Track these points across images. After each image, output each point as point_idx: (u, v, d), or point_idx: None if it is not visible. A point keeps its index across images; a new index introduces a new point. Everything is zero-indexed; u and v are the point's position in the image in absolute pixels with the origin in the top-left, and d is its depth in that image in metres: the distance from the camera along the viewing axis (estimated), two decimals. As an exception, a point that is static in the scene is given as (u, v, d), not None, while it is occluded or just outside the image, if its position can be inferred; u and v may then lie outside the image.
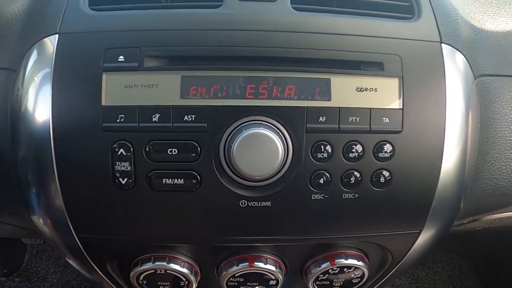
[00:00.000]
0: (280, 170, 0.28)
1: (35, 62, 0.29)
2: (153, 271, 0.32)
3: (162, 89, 0.27)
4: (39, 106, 0.28)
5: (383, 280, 0.38)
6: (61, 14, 0.29)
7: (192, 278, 0.33)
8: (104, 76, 0.27)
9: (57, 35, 0.28)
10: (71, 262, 0.35)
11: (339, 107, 0.28)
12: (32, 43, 0.30)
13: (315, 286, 0.35)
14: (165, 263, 0.32)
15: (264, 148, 0.27)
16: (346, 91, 0.28)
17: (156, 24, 0.29)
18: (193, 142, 0.27)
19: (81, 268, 0.35)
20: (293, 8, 0.30)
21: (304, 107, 0.28)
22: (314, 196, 0.29)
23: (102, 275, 0.34)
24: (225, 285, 0.34)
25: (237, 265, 0.32)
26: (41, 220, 0.30)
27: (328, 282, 0.35)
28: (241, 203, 0.28)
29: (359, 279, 0.35)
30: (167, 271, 0.32)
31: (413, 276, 0.96)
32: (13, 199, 0.32)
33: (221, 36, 0.28)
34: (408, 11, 0.33)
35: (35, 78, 0.29)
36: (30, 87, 0.29)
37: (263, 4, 0.30)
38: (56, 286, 0.83)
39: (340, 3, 0.32)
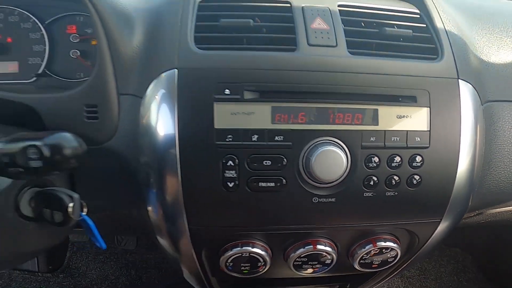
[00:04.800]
0: (342, 175, 0.40)
1: (161, 90, 0.39)
2: (239, 254, 0.44)
3: (258, 116, 0.39)
4: (166, 125, 0.39)
5: (409, 261, 0.51)
6: (176, 52, 0.40)
7: (268, 259, 0.45)
8: (215, 105, 0.38)
9: (176, 70, 0.39)
10: (170, 250, 0.46)
11: (385, 130, 0.40)
12: (155, 75, 0.40)
13: (359, 265, 0.47)
14: (250, 248, 0.43)
15: (333, 160, 0.39)
16: (390, 118, 0.40)
17: (252, 64, 0.40)
18: (281, 156, 0.39)
19: (177, 254, 0.46)
20: (349, 52, 0.42)
21: (360, 130, 0.40)
22: (365, 194, 0.41)
23: (196, 260, 0.46)
24: (292, 264, 0.46)
25: (304, 247, 0.44)
26: (158, 214, 0.42)
27: (369, 261, 0.47)
28: (314, 199, 0.40)
29: (393, 259, 0.47)
30: (250, 254, 0.44)
31: (421, 269, 1.09)
32: (131, 197, 0.43)
33: (299, 76, 0.40)
34: (433, 52, 0.45)
35: (162, 103, 0.39)
36: (159, 110, 0.39)
37: (327, 49, 0.42)
38: (96, 281, 0.93)
39: (380, 47, 0.44)
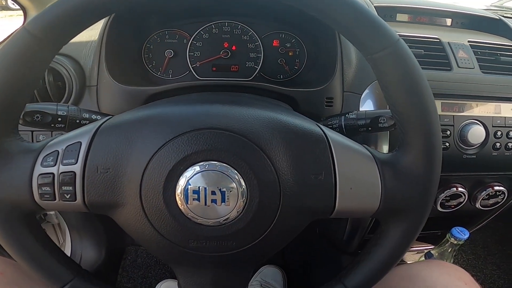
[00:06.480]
0: (481, 142, 0.68)
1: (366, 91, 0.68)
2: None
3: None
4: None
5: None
6: None
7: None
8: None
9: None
10: None
11: (505, 116, 0.69)
12: (368, 84, 0.68)
13: (480, 206, 0.76)
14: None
15: (477, 133, 0.67)
16: (507, 109, 0.69)
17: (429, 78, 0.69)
18: (448, 130, 0.67)
19: None
20: (482, 72, 0.71)
21: (491, 116, 0.69)
22: (493, 153, 0.70)
23: None
24: (439, 203, 0.74)
25: (450, 189, 0.73)
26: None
27: (486, 202, 0.75)
28: (463, 156, 0.69)
29: (501, 200, 0.76)
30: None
31: (471, 239, 1.38)
32: None
33: (454, 85, 0.69)
34: None
35: (367, 99, 0.67)
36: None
37: (469, 70, 0.70)
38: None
39: (498, 68, 0.73)
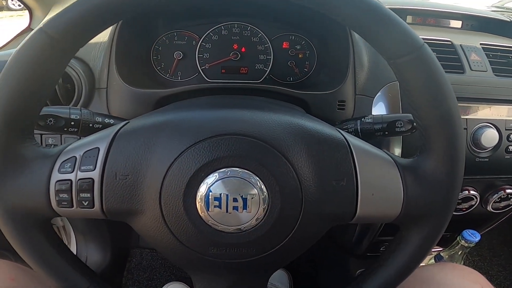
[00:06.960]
0: (494, 145, 0.68)
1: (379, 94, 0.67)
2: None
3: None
4: None
5: None
6: None
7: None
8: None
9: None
10: None
11: None
12: (382, 85, 0.67)
13: (491, 208, 0.75)
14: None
15: (490, 136, 0.67)
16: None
17: None
18: None
19: None
20: (495, 75, 0.70)
21: (504, 119, 0.68)
22: (505, 157, 0.69)
23: None
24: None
25: (461, 192, 0.72)
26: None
27: (498, 205, 0.75)
28: (476, 159, 0.68)
29: None
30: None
31: (477, 241, 1.38)
32: None
33: (467, 88, 0.68)
34: None
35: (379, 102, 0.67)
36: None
37: (481, 73, 0.70)
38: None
39: (509, 71, 0.72)
